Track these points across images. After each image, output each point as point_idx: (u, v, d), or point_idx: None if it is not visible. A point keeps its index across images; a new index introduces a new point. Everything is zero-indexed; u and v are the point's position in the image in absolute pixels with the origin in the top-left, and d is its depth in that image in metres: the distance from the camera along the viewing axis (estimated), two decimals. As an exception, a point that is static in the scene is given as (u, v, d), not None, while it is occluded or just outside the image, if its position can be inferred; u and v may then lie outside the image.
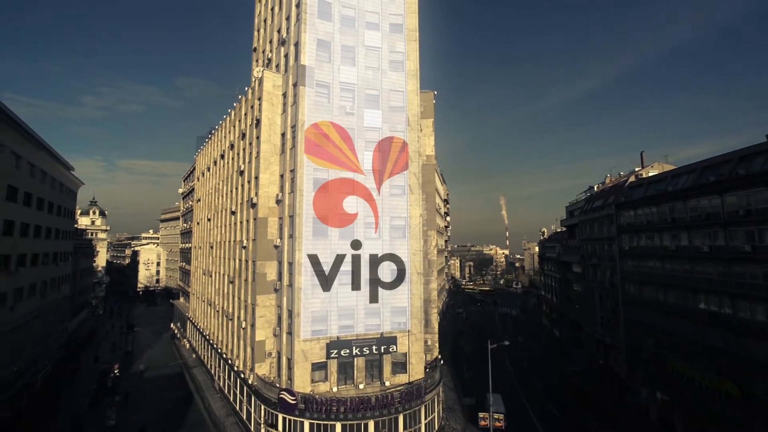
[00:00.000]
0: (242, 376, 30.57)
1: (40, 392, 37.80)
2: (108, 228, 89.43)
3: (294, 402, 24.03)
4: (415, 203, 29.38)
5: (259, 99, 30.56)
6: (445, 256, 78.30)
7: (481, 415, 30.93)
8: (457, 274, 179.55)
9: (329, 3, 29.17)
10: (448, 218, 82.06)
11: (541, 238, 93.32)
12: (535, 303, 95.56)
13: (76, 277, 55.48)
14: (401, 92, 30.16)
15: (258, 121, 30.57)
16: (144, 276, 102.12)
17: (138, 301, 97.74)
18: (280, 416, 24.83)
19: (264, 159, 29.71)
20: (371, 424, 24.30)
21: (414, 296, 28.51)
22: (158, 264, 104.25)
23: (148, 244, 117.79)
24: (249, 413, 28.99)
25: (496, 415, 30.08)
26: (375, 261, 28.15)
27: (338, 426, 23.93)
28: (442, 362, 46.09)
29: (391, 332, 27.71)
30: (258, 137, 30.42)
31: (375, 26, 30.29)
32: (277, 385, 26.24)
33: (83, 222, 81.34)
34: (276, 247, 29.24)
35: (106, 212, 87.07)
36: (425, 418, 26.81)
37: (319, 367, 25.99)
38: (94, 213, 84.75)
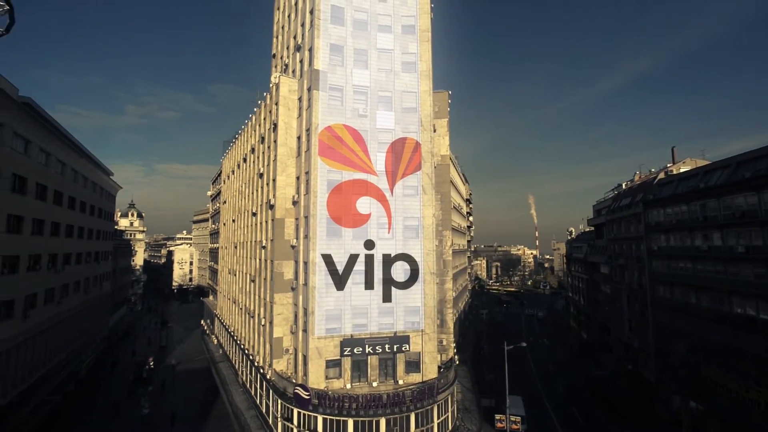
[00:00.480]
0: (261, 371, 31.76)
1: (84, 380, 41.01)
2: (145, 229, 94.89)
3: (308, 397, 24.76)
4: (428, 203, 29.41)
5: (276, 104, 31.62)
6: (468, 257, 77.36)
7: (497, 416, 30.58)
8: (483, 275, 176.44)
9: (342, 8, 29.74)
10: (470, 218, 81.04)
11: (569, 238, 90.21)
12: (564, 305, 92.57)
13: (115, 275, 59.28)
14: (414, 93, 30.27)
15: (275, 125, 31.64)
16: (178, 275, 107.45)
17: (173, 299, 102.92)
18: (295, 411, 25.64)
19: (281, 162, 30.73)
20: (383, 422, 24.62)
21: (427, 296, 28.55)
22: (191, 263, 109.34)
23: (182, 244, 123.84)
24: (267, 407, 30.08)
25: (513, 418, 29.62)
26: (388, 261, 28.44)
27: (350, 422, 24.42)
28: (459, 363, 45.76)
29: (404, 331, 27.90)
30: (275, 141, 31.48)
31: (387, 29, 30.58)
32: (294, 381, 27.09)
33: (123, 223, 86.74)
34: (293, 247, 30.15)
35: (143, 214, 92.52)
36: (438, 418, 26.81)
37: (333, 364, 26.59)
38: (132, 215, 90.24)
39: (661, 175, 43.99)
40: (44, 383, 32.88)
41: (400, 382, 27.10)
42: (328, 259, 27.28)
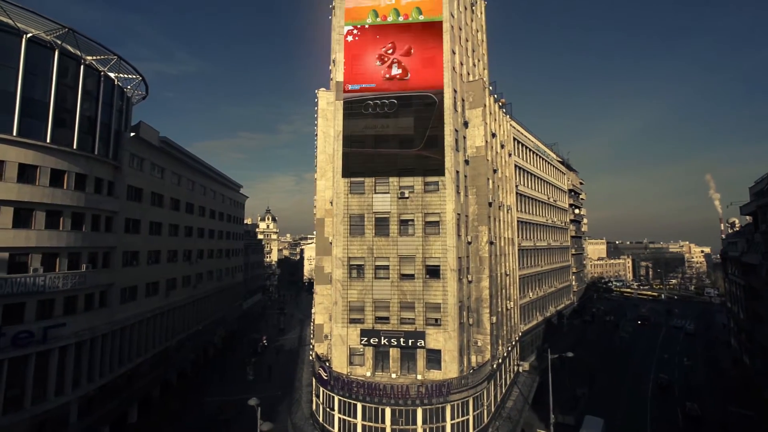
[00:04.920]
0: (311, 352, 36.09)
1: (220, 348, 53.69)
2: (278, 230, 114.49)
3: (326, 378, 27.46)
4: (449, 199, 28.55)
5: (318, 116, 35.51)
6: (573, 254, 67.72)
7: (538, 431, 27.34)
8: (629, 276, 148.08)
9: (362, 18, 31.51)
10: (576, 210, 70.55)
11: (729, 231, 68.89)
12: (728, 318, 71.16)
13: (247, 268, 74.22)
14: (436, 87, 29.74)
15: (316, 135, 35.55)
16: (307, 269, 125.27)
17: (303, 290, 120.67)
18: (321, 389, 28.68)
19: (320, 167, 34.41)
20: (387, 411, 25.37)
21: (448, 293, 27.78)
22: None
23: (310, 242, 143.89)
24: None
25: (557, 436, 26.15)
26: (409, 257, 28.83)
27: (359, 406, 26.02)
28: (527, 370, 41.40)
29: (424, 327, 27.87)
30: (317, 148, 35.38)
31: (406, 28, 30.93)
32: (327, 364, 30.22)
33: (262, 226, 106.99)
34: (330, 243, 33.38)
35: (276, 217, 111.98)
36: (452, 419, 25.86)
37: (356, 352, 28.60)
38: (268, 219, 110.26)
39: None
40: (185, 345, 44.69)
41: (420, 377, 27.22)
42: (350, 255, 29.46)
